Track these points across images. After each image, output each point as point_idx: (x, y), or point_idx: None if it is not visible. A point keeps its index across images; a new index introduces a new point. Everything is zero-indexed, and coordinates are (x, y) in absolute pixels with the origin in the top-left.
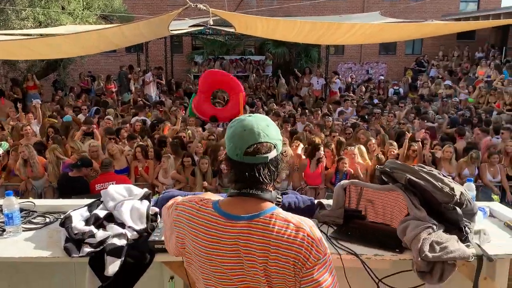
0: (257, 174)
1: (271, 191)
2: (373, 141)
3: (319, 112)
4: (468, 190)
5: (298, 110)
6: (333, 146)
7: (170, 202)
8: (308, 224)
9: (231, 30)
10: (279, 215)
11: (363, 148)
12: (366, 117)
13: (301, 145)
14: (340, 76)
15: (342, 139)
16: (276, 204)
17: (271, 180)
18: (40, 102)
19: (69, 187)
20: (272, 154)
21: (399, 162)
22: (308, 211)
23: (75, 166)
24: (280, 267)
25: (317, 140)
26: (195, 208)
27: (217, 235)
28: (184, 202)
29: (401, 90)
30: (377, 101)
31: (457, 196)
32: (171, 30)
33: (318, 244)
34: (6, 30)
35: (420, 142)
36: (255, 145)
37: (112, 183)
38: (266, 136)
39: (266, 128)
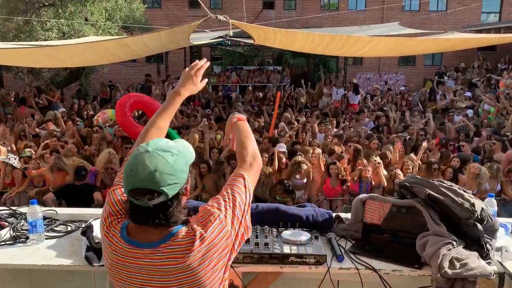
0: (142, 217)
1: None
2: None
3: (334, 122)
4: (489, 205)
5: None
6: (349, 155)
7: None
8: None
9: (250, 41)
10: (179, 235)
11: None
12: (381, 129)
13: (320, 155)
14: (359, 89)
15: (359, 147)
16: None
17: (159, 224)
18: (64, 110)
19: (75, 195)
20: (156, 201)
21: (419, 176)
22: (326, 224)
23: (81, 176)
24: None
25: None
26: (104, 227)
27: (122, 260)
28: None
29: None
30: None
31: (478, 212)
32: (191, 41)
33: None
34: (31, 40)
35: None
36: (135, 190)
37: None
38: (149, 183)
39: (151, 173)
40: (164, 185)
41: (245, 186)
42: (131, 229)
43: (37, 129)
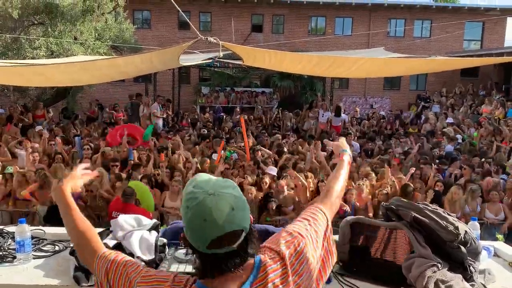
0: (223, 265)
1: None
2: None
3: (320, 145)
4: (472, 229)
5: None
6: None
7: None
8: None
9: (239, 62)
10: (266, 263)
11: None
12: (369, 152)
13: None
14: (341, 112)
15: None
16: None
17: (242, 262)
18: (41, 129)
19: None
20: (240, 240)
21: (405, 200)
22: None
23: None
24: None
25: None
26: None
27: None
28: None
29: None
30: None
31: (462, 235)
32: (181, 62)
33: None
34: (18, 58)
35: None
36: (219, 238)
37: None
38: (231, 224)
39: (231, 214)
40: (243, 220)
41: (320, 213)
42: (209, 286)
43: (16, 150)
